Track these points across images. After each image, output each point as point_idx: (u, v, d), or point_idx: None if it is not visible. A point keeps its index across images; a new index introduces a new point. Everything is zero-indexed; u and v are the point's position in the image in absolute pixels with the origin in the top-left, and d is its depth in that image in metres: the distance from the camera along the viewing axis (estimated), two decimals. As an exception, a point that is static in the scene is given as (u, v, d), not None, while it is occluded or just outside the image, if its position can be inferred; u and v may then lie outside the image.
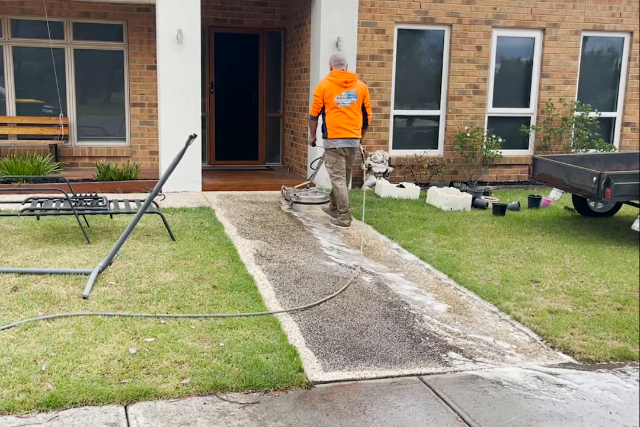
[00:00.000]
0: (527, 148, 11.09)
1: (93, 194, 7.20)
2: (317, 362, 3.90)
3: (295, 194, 8.35)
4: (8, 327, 4.17)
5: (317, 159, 8.60)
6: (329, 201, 7.92)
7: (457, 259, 6.16)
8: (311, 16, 9.95)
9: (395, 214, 8.17)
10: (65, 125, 10.68)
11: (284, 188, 8.73)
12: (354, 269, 5.79)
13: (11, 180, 9.03)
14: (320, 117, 7.41)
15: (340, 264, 5.97)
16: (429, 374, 3.81)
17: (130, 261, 5.77)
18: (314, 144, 7.77)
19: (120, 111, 11.09)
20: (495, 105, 10.91)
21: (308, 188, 8.66)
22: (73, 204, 6.56)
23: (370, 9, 10.06)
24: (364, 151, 7.92)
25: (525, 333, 4.48)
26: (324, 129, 7.33)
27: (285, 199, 8.51)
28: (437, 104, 10.72)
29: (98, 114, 11.19)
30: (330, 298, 5.01)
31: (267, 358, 3.85)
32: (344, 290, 5.20)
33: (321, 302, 4.90)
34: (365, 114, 7.37)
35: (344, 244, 6.75)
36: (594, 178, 6.79)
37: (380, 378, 3.74)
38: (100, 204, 6.82)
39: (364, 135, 7.70)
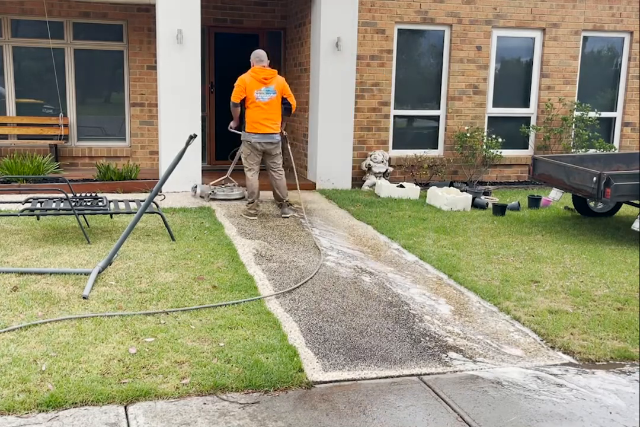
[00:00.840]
0: (527, 148, 11.09)
1: (93, 194, 7.20)
2: (317, 362, 3.90)
3: (213, 191, 8.66)
4: (10, 330, 4.17)
5: (235, 150, 8.70)
6: (243, 197, 8.55)
7: (457, 259, 6.16)
8: (311, 16, 9.94)
9: (395, 214, 8.17)
10: (65, 125, 10.67)
11: (195, 185, 8.91)
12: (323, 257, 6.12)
13: (11, 180, 9.02)
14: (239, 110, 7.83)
15: (339, 264, 5.97)
16: (429, 374, 3.81)
17: (130, 261, 5.77)
18: (237, 129, 7.95)
19: (120, 111, 11.09)
20: (495, 105, 10.91)
21: (224, 184, 8.90)
22: (73, 204, 6.56)
23: (370, 9, 10.06)
24: (287, 140, 8.21)
25: (525, 333, 4.48)
26: (242, 122, 7.72)
27: (201, 196, 8.73)
28: (437, 104, 10.72)
29: (98, 114, 11.18)
30: (306, 281, 5.17)
31: (267, 358, 3.85)
32: (316, 272, 5.58)
33: (299, 286, 4.90)
34: (287, 104, 7.64)
35: (346, 244, 6.75)
36: (594, 178, 6.79)
37: (380, 378, 3.74)
38: (100, 204, 6.82)
39: (284, 123, 7.89)
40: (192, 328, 4.27)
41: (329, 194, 9.44)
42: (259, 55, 7.59)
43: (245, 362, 3.78)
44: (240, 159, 7.94)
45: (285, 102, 7.63)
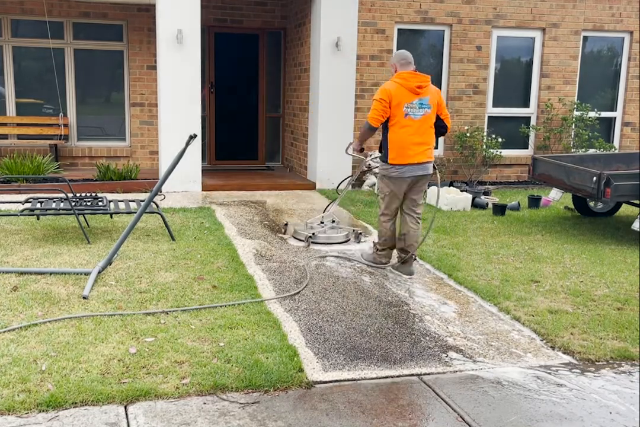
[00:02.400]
0: (527, 148, 11.09)
1: (93, 194, 7.20)
2: (317, 362, 3.90)
3: (313, 233, 6.61)
4: (10, 330, 4.17)
5: (347, 178, 6.74)
6: (349, 240, 6.76)
7: (457, 259, 6.16)
8: (311, 16, 9.94)
9: (395, 214, 8.16)
10: (65, 125, 10.67)
11: (287, 224, 7.06)
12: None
13: (11, 180, 9.03)
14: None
15: (339, 264, 5.96)
16: (429, 374, 3.81)
17: (130, 260, 5.77)
18: (362, 150, 6.14)
19: (120, 111, 11.09)
20: (495, 105, 10.91)
21: (322, 222, 6.91)
22: (73, 204, 6.56)
23: (370, 9, 10.06)
24: (436, 170, 5.86)
25: (525, 333, 4.48)
26: (383, 149, 5.62)
27: (295, 237, 6.75)
28: (437, 104, 10.70)
29: (98, 114, 11.19)
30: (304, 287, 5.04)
31: (267, 358, 3.85)
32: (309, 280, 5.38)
33: (300, 291, 4.90)
34: (442, 127, 5.69)
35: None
36: (594, 178, 6.79)
37: (380, 378, 3.74)
38: (100, 204, 6.82)
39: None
40: (192, 328, 4.27)
41: (329, 194, 9.44)
42: (405, 56, 5.61)
43: (245, 362, 3.78)
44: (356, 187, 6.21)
45: (440, 124, 5.64)
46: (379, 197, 5.80)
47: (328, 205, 7.00)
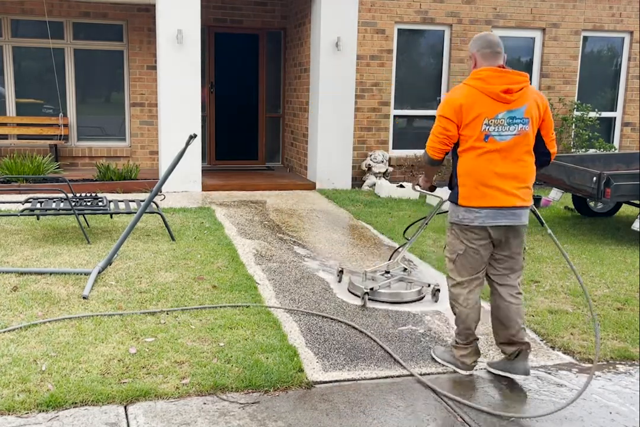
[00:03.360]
0: (527, 148, 11.08)
1: (93, 194, 7.20)
2: (317, 362, 3.90)
3: (372, 289, 4.94)
4: (10, 330, 4.17)
5: (420, 220, 5.23)
6: (423, 297, 5.11)
7: (457, 259, 6.15)
8: (311, 16, 9.94)
9: (395, 214, 8.17)
10: (65, 125, 10.67)
11: (342, 270, 5.48)
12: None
13: (11, 180, 9.03)
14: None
15: (339, 264, 5.96)
16: (429, 374, 3.81)
17: (130, 261, 5.77)
18: (432, 189, 4.18)
19: (120, 111, 11.09)
20: (495, 105, 10.90)
21: (388, 272, 5.32)
22: (73, 204, 6.56)
23: (370, 9, 10.06)
24: (536, 214, 3.87)
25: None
26: (452, 184, 3.80)
27: (351, 291, 5.16)
28: (437, 104, 10.71)
29: (98, 114, 11.19)
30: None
31: (267, 358, 3.85)
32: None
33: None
34: (544, 154, 3.77)
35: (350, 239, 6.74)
36: (594, 178, 6.79)
37: (380, 378, 3.74)
38: (100, 204, 6.82)
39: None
40: (192, 328, 4.27)
41: (329, 194, 9.44)
42: (490, 42, 3.66)
43: (245, 362, 3.78)
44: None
45: (542, 151, 3.74)
46: (447, 256, 3.94)
47: (395, 251, 5.40)
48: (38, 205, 6.62)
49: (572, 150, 10.83)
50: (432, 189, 4.14)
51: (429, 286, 5.14)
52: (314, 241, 6.78)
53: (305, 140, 10.41)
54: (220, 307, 4.68)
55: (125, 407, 3.30)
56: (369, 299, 4.93)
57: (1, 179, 9.02)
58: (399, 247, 5.43)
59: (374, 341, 4.22)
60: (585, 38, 11.08)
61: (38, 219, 7.12)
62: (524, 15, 10.64)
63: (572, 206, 8.64)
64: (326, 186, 9.89)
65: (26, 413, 3.21)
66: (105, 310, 4.55)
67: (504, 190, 3.60)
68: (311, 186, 9.92)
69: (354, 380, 3.70)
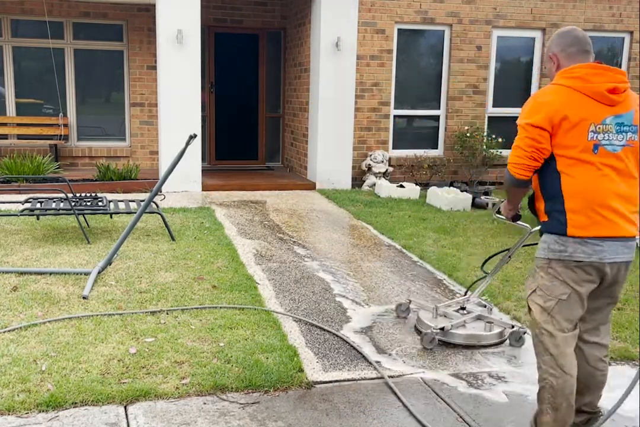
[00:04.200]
0: (527, 148, 11.07)
1: (93, 194, 7.20)
2: (317, 362, 3.90)
3: (442, 328, 4.18)
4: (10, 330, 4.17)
5: (502, 251, 4.31)
6: (504, 341, 4.28)
7: (457, 259, 6.15)
8: (311, 16, 9.94)
9: (395, 214, 8.17)
10: (65, 125, 10.67)
11: (410, 300, 4.71)
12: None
13: (11, 180, 9.03)
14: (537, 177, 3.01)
15: (340, 264, 5.97)
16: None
17: (130, 260, 5.77)
18: (516, 218, 3.32)
19: (120, 111, 11.09)
20: (495, 105, 10.91)
21: (464, 309, 4.49)
22: (73, 204, 6.56)
23: (370, 9, 10.05)
24: None
25: (525, 333, 4.47)
26: (550, 210, 2.93)
27: (419, 328, 4.41)
28: (437, 104, 10.71)
29: (98, 114, 11.19)
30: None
31: (267, 358, 3.85)
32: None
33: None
34: None
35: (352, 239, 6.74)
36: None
37: (380, 378, 3.74)
38: (100, 204, 6.82)
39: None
40: (192, 328, 4.27)
41: (329, 194, 9.44)
42: (578, 38, 3.03)
43: (245, 362, 3.78)
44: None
45: None
46: (537, 304, 2.95)
47: (472, 284, 4.66)
48: (38, 205, 6.62)
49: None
50: (517, 218, 3.30)
51: (512, 327, 4.29)
52: (314, 241, 6.78)
53: (305, 140, 10.41)
54: (221, 307, 4.67)
55: (125, 407, 3.30)
56: (440, 342, 4.18)
57: (1, 179, 9.02)
58: (476, 281, 4.62)
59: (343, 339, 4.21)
60: (585, 38, 11.07)
61: (38, 219, 7.12)
62: (524, 15, 10.64)
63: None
64: (326, 186, 9.89)
65: (26, 413, 3.21)
66: (105, 310, 4.55)
67: (623, 215, 2.84)
68: (311, 186, 9.92)
69: (354, 380, 3.70)
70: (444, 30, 10.50)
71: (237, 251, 6.22)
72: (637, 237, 2.91)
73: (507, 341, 4.26)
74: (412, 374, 3.79)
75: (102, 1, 10.36)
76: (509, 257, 4.22)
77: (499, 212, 3.48)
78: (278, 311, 4.67)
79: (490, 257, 4.42)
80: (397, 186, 9.43)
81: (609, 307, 3.04)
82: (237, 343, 4.05)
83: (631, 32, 11.11)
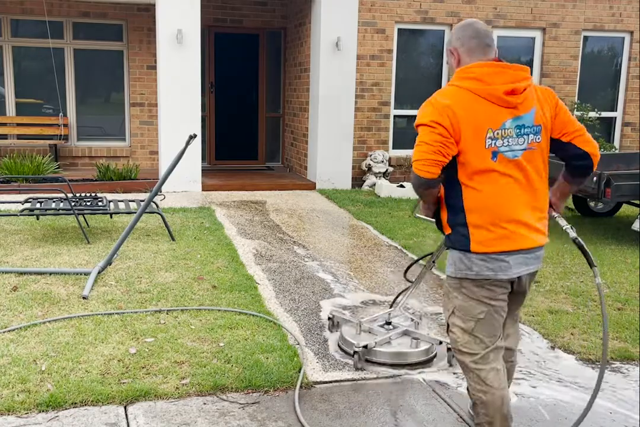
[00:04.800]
0: (527, 148, 11.08)
1: (93, 194, 7.20)
2: (317, 362, 3.89)
3: (365, 346, 3.83)
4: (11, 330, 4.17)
5: (425, 256, 3.95)
6: (434, 357, 3.97)
7: (457, 259, 6.14)
8: (311, 16, 9.94)
9: (395, 214, 8.17)
10: (65, 125, 10.67)
11: (333, 315, 4.36)
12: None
13: (11, 180, 9.03)
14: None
15: (340, 264, 5.96)
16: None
17: (130, 261, 5.77)
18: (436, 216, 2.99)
19: (120, 111, 11.09)
20: (495, 105, 10.90)
21: (389, 323, 4.15)
22: (73, 204, 6.56)
23: (370, 9, 10.05)
24: (556, 216, 3.17)
25: (525, 333, 4.47)
26: (454, 224, 2.81)
27: (342, 349, 4.06)
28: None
29: (98, 114, 11.18)
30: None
31: (267, 358, 3.85)
32: None
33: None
34: (576, 156, 2.91)
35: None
36: (594, 178, 6.78)
37: (380, 378, 3.73)
38: (100, 204, 6.82)
39: (564, 200, 3.21)
40: (192, 328, 4.27)
41: (328, 194, 9.44)
42: (477, 32, 2.76)
43: (245, 362, 3.78)
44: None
45: (574, 153, 2.89)
46: (457, 326, 2.87)
47: (398, 295, 4.31)
48: (38, 205, 6.61)
49: (572, 150, 10.81)
50: (436, 216, 2.96)
51: (441, 343, 3.97)
52: (314, 241, 6.78)
53: (305, 140, 10.41)
54: (225, 311, 4.67)
55: (125, 408, 3.30)
56: (366, 360, 3.85)
57: (1, 179, 9.01)
58: (403, 291, 4.24)
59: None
60: (585, 38, 11.08)
61: (38, 219, 7.11)
62: (524, 15, 10.64)
63: (572, 206, 8.64)
64: (326, 186, 9.89)
65: (26, 413, 3.21)
66: (105, 310, 4.55)
67: (529, 226, 2.76)
68: (311, 186, 9.92)
69: (354, 380, 3.70)
70: (444, 30, 10.50)
71: (237, 251, 6.22)
72: (545, 243, 2.84)
73: (437, 358, 3.93)
74: (411, 374, 3.78)
75: (102, 1, 10.35)
76: (433, 262, 3.84)
77: (422, 213, 3.04)
78: (274, 319, 4.67)
79: (412, 264, 4.08)
80: (397, 186, 9.43)
81: (517, 312, 3.02)
82: (237, 343, 4.04)
83: (631, 32, 11.10)
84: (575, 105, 10.88)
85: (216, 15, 11.12)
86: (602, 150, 10.70)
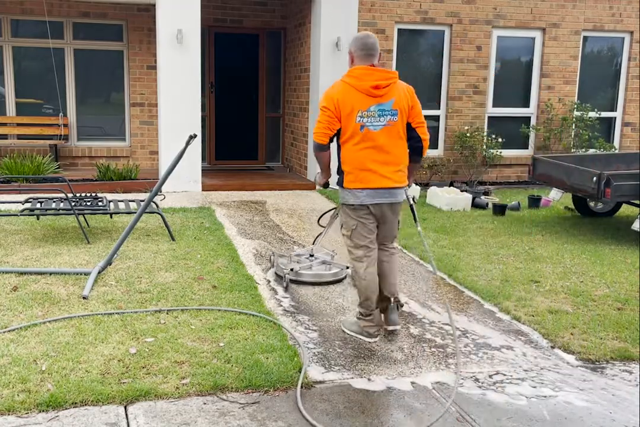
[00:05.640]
0: (527, 148, 11.09)
1: (93, 194, 7.20)
2: (318, 362, 3.89)
3: (292, 269, 5.29)
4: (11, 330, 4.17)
5: (331, 210, 5.62)
6: (343, 278, 5.50)
7: (457, 259, 6.15)
8: (311, 16, 9.94)
9: (395, 214, 8.16)
10: (65, 125, 10.67)
11: (273, 254, 5.74)
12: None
13: (11, 180, 9.03)
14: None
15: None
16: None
17: (130, 261, 5.77)
18: (326, 186, 4.63)
19: (120, 111, 11.09)
20: (495, 105, 10.91)
21: (312, 255, 5.63)
22: (73, 204, 6.56)
23: (370, 9, 10.05)
24: (414, 200, 4.59)
25: (525, 333, 4.47)
26: (338, 172, 4.27)
27: (277, 273, 5.53)
28: (437, 104, 10.71)
29: (98, 114, 11.19)
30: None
31: (267, 358, 3.85)
32: None
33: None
34: (416, 139, 4.24)
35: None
36: (594, 178, 6.79)
37: (380, 376, 3.73)
38: (100, 204, 6.82)
39: (414, 175, 4.52)
40: (192, 328, 4.27)
41: (329, 194, 9.44)
42: (366, 43, 4.14)
43: (245, 362, 3.78)
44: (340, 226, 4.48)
45: (412, 136, 4.23)
46: (344, 235, 4.34)
47: (317, 237, 5.70)
48: (38, 205, 6.62)
49: (572, 150, 10.83)
50: (326, 185, 4.60)
51: (348, 268, 5.24)
52: (314, 241, 6.79)
53: (305, 140, 10.41)
54: (226, 311, 4.67)
55: (125, 407, 3.30)
56: (291, 280, 5.29)
57: (1, 179, 9.02)
58: (318, 235, 5.73)
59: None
60: (585, 38, 11.08)
61: (38, 219, 7.12)
62: (524, 15, 10.64)
63: (572, 206, 8.64)
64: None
65: (26, 413, 3.21)
66: (105, 310, 4.55)
67: (381, 174, 4.13)
68: (311, 186, 9.92)
69: (354, 380, 3.70)
70: (444, 30, 10.50)
71: (237, 251, 6.23)
72: (401, 187, 4.22)
73: (347, 278, 5.38)
74: (411, 373, 3.79)
75: (102, 1, 10.36)
76: (337, 213, 5.21)
77: (318, 183, 4.62)
78: (274, 319, 4.67)
79: (324, 214, 5.67)
80: (397, 186, 9.43)
81: (390, 231, 4.33)
82: (237, 343, 4.05)
83: (631, 32, 11.11)
84: (575, 105, 10.89)
85: (216, 15, 11.12)
86: (602, 150, 10.71)
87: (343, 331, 4.36)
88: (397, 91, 4.13)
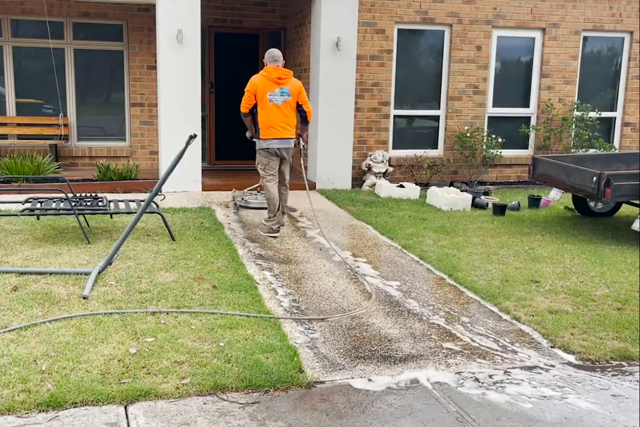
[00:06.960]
0: (527, 148, 11.09)
1: (93, 194, 7.20)
2: (317, 362, 3.90)
3: (243, 198, 8.27)
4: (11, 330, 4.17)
5: (255, 186, 8.33)
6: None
7: (457, 259, 6.16)
8: (311, 16, 9.94)
9: (395, 214, 8.17)
10: (65, 125, 10.67)
11: (233, 197, 8.49)
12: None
13: (11, 180, 9.02)
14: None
15: (340, 265, 5.96)
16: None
17: (130, 261, 5.77)
18: (252, 138, 7.02)
19: (120, 111, 11.09)
20: (495, 105, 10.91)
21: (259, 192, 8.43)
22: (73, 204, 6.56)
23: (370, 9, 10.05)
24: (304, 147, 7.14)
25: (525, 333, 4.48)
26: (256, 129, 6.84)
27: (234, 203, 8.33)
28: (437, 104, 10.72)
29: (98, 114, 11.18)
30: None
31: (267, 358, 3.85)
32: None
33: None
34: (302, 111, 6.89)
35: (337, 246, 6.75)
36: (594, 178, 6.79)
37: (381, 376, 3.73)
38: (100, 204, 6.82)
39: (305, 132, 7.18)
40: (192, 328, 4.27)
41: (328, 194, 9.44)
42: (274, 55, 6.84)
43: (245, 362, 3.78)
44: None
45: (300, 110, 6.88)
46: (259, 168, 6.89)
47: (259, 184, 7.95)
48: (38, 205, 6.62)
49: (572, 150, 10.83)
50: (252, 138, 7.01)
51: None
52: (314, 241, 6.79)
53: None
54: (219, 306, 4.68)
55: (125, 407, 3.30)
56: (242, 206, 8.28)
57: (1, 179, 9.02)
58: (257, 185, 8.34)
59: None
60: (585, 38, 11.08)
61: (38, 219, 7.12)
62: (524, 15, 10.64)
63: (572, 206, 8.65)
64: (326, 186, 9.89)
65: (26, 413, 3.21)
66: (105, 310, 4.55)
67: (283, 128, 6.77)
68: (311, 186, 9.91)
69: (354, 380, 3.70)
70: (444, 30, 10.50)
71: (237, 251, 6.23)
72: (292, 138, 6.86)
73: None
74: (411, 373, 3.79)
75: (102, 1, 10.35)
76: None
77: (248, 136, 7.12)
78: (274, 319, 4.67)
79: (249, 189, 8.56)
80: (397, 186, 9.43)
81: (286, 168, 7.01)
82: (237, 343, 4.05)
83: (631, 32, 11.11)
84: (575, 105, 10.90)
85: (216, 15, 11.12)
86: (602, 150, 10.71)
87: (261, 235, 6.85)
88: (292, 82, 6.83)
